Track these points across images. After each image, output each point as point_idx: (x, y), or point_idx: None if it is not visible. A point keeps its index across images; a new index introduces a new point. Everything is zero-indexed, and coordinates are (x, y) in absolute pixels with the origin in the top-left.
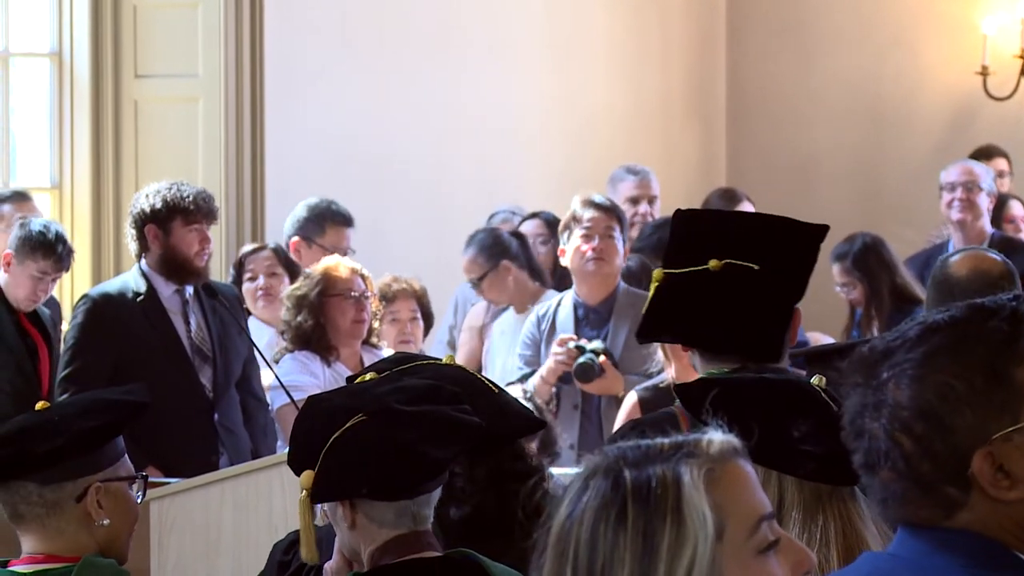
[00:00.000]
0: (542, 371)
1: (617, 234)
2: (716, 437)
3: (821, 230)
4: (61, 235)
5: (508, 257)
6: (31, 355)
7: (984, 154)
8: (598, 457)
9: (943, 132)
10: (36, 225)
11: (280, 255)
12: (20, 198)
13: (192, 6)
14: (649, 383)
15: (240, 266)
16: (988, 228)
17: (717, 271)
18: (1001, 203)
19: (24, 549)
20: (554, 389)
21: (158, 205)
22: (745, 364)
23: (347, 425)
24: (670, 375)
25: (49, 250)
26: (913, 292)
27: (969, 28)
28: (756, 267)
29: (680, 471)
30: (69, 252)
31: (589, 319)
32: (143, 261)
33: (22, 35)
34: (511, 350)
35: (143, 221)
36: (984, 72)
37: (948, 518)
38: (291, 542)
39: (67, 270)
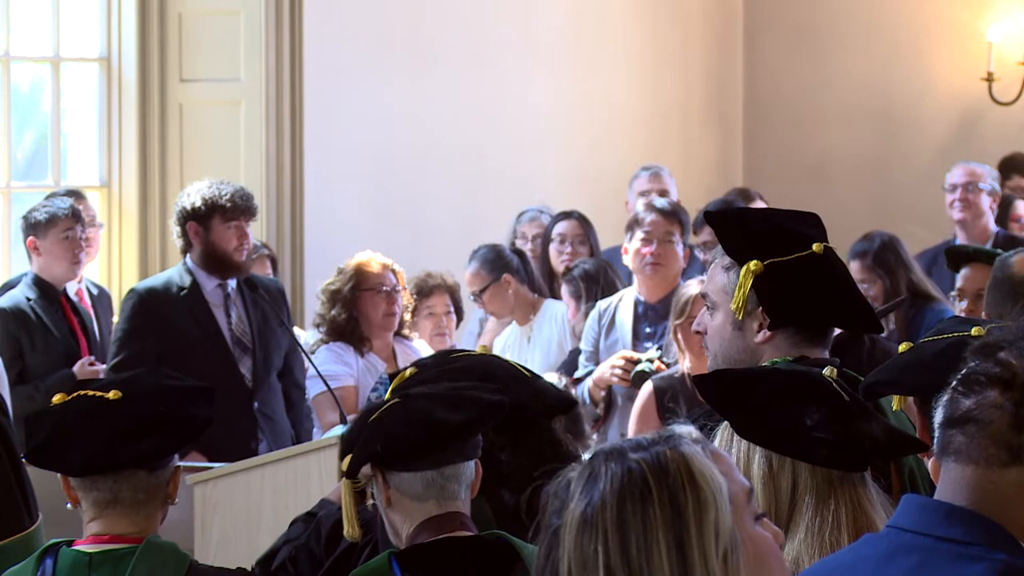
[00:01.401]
0: (594, 376)
1: (676, 238)
2: (691, 429)
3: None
4: (61, 198)
5: (509, 271)
6: (75, 342)
7: (1014, 166)
8: (595, 455)
9: (950, 135)
10: (36, 206)
11: (274, 262)
12: (75, 196)
13: (234, 13)
14: (664, 373)
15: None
16: (992, 227)
17: (822, 254)
18: (1007, 203)
19: (91, 530)
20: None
21: (198, 203)
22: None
23: (380, 409)
24: (684, 366)
25: (64, 213)
26: (927, 289)
27: (975, 36)
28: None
29: (684, 447)
30: (76, 208)
31: (648, 316)
32: (188, 257)
33: (73, 41)
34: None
35: (185, 219)
36: (989, 78)
37: (1005, 466)
38: (340, 520)
39: (83, 222)
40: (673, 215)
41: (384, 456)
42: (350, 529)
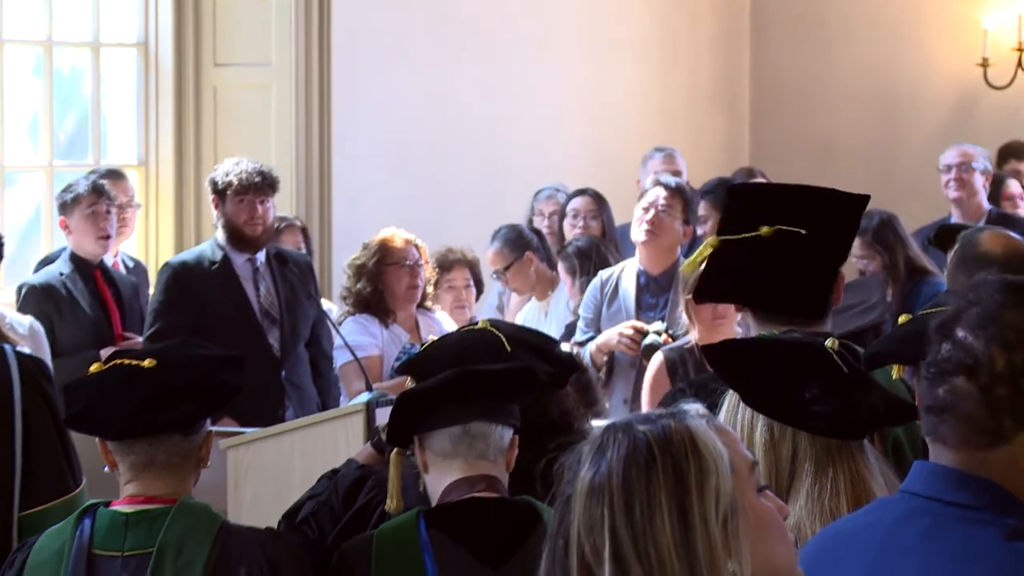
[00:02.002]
0: (598, 341)
1: (676, 212)
2: (697, 405)
3: (863, 200)
4: (86, 177)
5: (530, 249)
6: (106, 316)
7: (1013, 152)
8: (605, 429)
9: (947, 118)
10: (65, 187)
11: (307, 236)
12: (115, 176)
13: (266, 1)
14: (674, 344)
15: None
16: (985, 205)
17: (769, 237)
18: (999, 182)
19: (127, 492)
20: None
21: (216, 180)
22: (793, 326)
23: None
24: (693, 337)
25: (85, 190)
26: (924, 264)
27: (971, 23)
28: (804, 232)
29: (688, 419)
30: (98, 184)
31: (650, 288)
32: (218, 232)
33: (112, 27)
34: None
35: (212, 193)
36: (985, 64)
37: (990, 447)
38: (356, 479)
39: (108, 197)
40: (676, 191)
41: (412, 404)
42: (392, 502)
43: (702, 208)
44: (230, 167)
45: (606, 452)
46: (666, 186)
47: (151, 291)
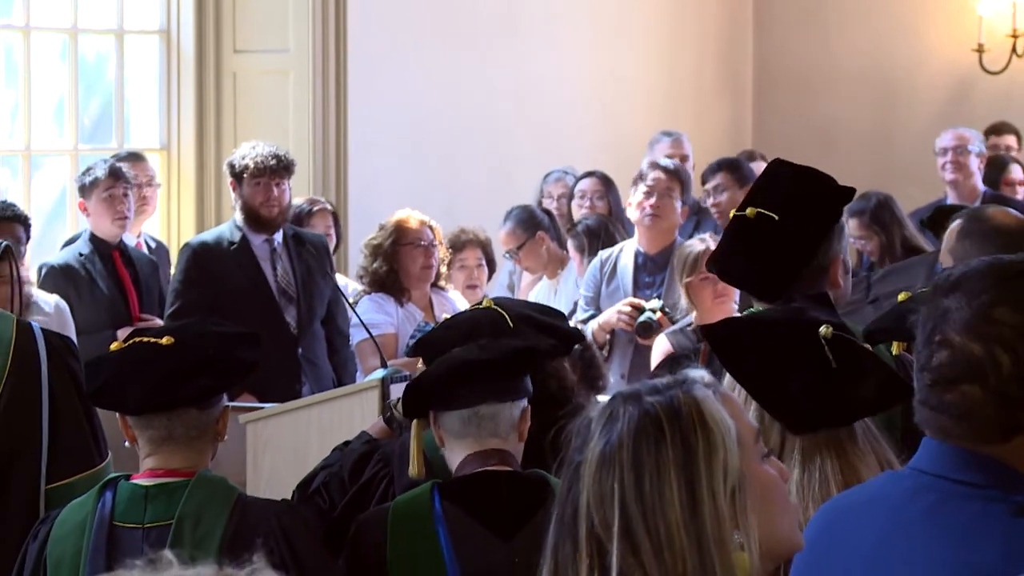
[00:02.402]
0: (600, 319)
1: (676, 194)
2: (703, 373)
3: (848, 193)
4: (102, 162)
5: (542, 229)
6: (123, 297)
7: (995, 131)
8: (613, 397)
9: (944, 102)
10: (83, 170)
11: (337, 219)
12: (135, 158)
13: None
14: (676, 327)
15: (299, 218)
16: (980, 186)
17: (752, 219)
18: (1003, 166)
19: (147, 465)
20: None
21: (234, 163)
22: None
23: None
24: (694, 318)
25: (102, 174)
26: (919, 244)
27: (967, 10)
28: (776, 218)
29: (696, 391)
30: (117, 168)
31: (647, 267)
32: (237, 214)
33: (135, 15)
34: None
35: (230, 176)
36: (980, 49)
37: (1004, 441)
38: (363, 453)
39: (125, 180)
40: (675, 173)
41: (419, 393)
42: (414, 468)
43: (719, 178)
44: (247, 151)
45: (616, 423)
46: (665, 169)
47: (172, 271)
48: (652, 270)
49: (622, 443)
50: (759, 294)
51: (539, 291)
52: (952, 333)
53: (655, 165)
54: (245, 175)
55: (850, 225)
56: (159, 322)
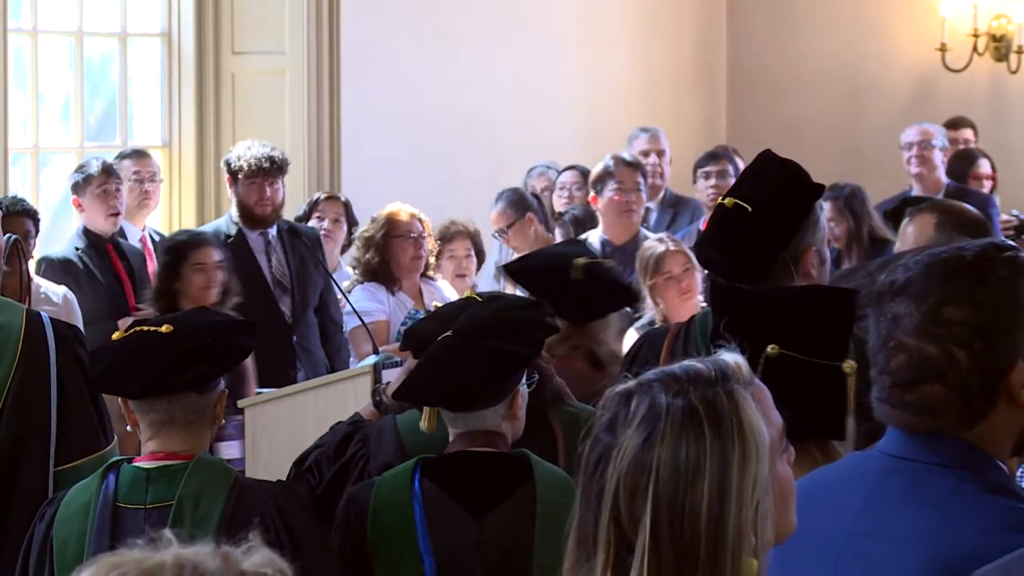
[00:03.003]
0: None
1: (642, 186)
2: (739, 360)
3: (819, 188)
4: (96, 160)
5: (531, 210)
6: (120, 288)
7: (953, 125)
8: (656, 381)
9: (909, 98)
10: (79, 166)
11: (348, 208)
12: (139, 155)
13: None
14: (643, 320)
15: (313, 207)
16: (944, 179)
17: (729, 208)
18: (972, 159)
19: (148, 449)
20: None
21: (230, 162)
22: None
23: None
24: (658, 316)
25: (96, 171)
26: (885, 234)
27: (930, 11)
28: (749, 209)
29: (738, 395)
30: (109, 165)
31: (615, 257)
32: (233, 209)
33: (137, 18)
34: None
35: (226, 174)
36: (943, 48)
37: (969, 428)
38: (346, 434)
39: (116, 177)
40: (638, 167)
41: (408, 398)
42: (426, 423)
43: (713, 164)
44: (242, 151)
45: (658, 420)
46: (632, 164)
47: None
48: (621, 260)
49: (663, 440)
50: (733, 282)
51: None
52: (906, 337)
53: (620, 161)
54: (240, 175)
55: (825, 207)
56: (154, 312)
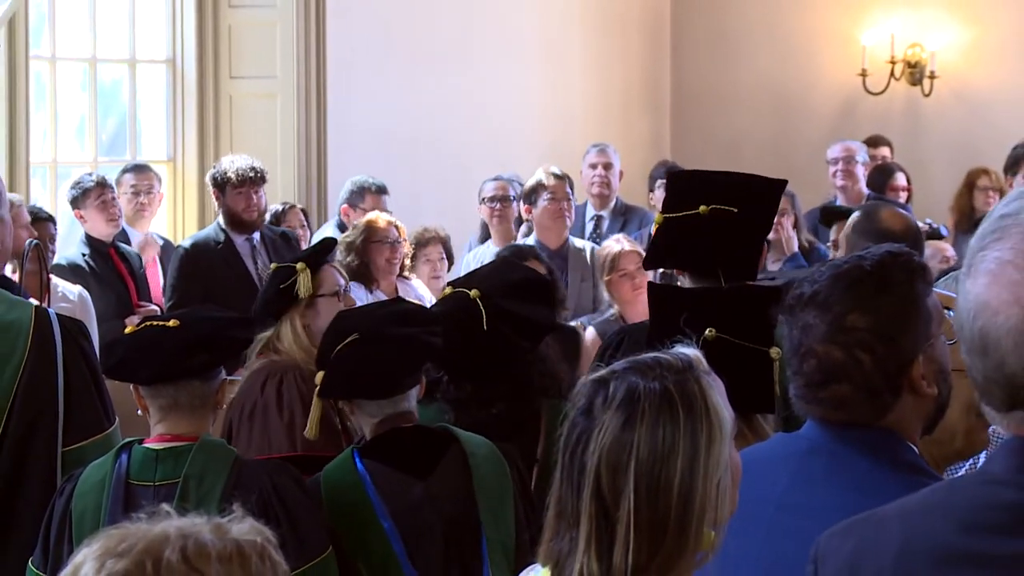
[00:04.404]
0: None
1: (571, 195)
2: (698, 353)
3: (781, 183)
4: (87, 176)
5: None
6: (124, 288)
7: (872, 143)
8: (630, 368)
9: (833, 118)
10: (74, 182)
11: (307, 214)
12: (139, 169)
13: (272, 25)
14: (601, 319)
15: (280, 216)
16: (865, 190)
17: (706, 215)
18: (890, 173)
19: (157, 431)
20: None
21: (216, 175)
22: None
23: (346, 341)
24: (615, 310)
25: (91, 184)
26: (813, 240)
27: (852, 40)
28: (735, 210)
29: (704, 381)
30: (102, 179)
31: (553, 260)
32: (221, 218)
33: (145, 47)
34: None
35: (212, 187)
36: (863, 74)
37: (880, 418)
38: None
39: (112, 187)
40: (566, 178)
41: (343, 396)
42: (311, 429)
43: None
44: (227, 164)
45: (636, 403)
46: (562, 177)
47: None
48: (557, 264)
49: (643, 420)
50: (739, 275)
51: (481, 253)
52: (815, 344)
53: (552, 175)
54: (228, 185)
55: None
56: (155, 308)
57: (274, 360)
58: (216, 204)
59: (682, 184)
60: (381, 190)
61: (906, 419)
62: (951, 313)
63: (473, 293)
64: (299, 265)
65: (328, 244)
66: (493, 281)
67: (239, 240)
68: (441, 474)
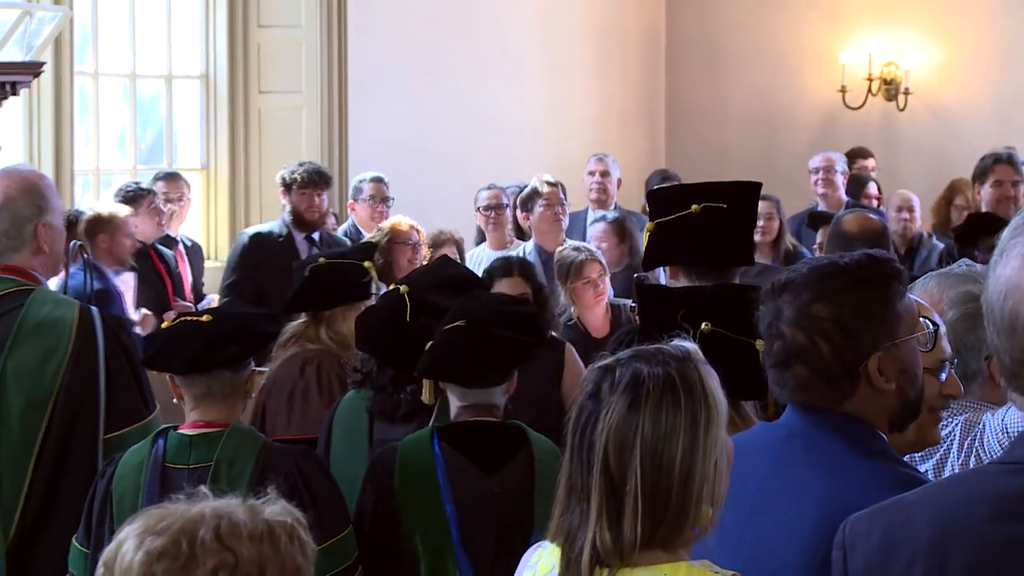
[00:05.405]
0: None
1: (564, 201)
2: (694, 345)
3: (756, 186)
4: (137, 182)
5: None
6: (162, 284)
7: (859, 155)
8: (633, 355)
9: (814, 131)
10: (126, 191)
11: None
12: (170, 177)
13: (298, 43)
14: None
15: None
16: (844, 198)
17: (698, 213)
18: (863, 183)
19: (191, 418)
20: None
21: (285, 176)
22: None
23: (452, 325)
24: (573, 312)
25: (139, 193)
26: (796, 244)
27: (832, 58)
28: (725, 206)
29: (702, 369)
30: (150, 189)
31: (549, 262)
32: (286, 215)
33: (181, 63)
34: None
35: (280, 186)
36: (843, 90)
37: (839, 404)
38: None
39: (156, 196)
40: (559, 185)
41: (437, 377)
42: (427, 396)
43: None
44: (295, 167)
45: (641, 386)
46: (555, 184)
47: (204, 265)
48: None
49: (647, 403)
50: (741, 264)
51: (478, 255)
52: (783, 326)
53: (546, 182)
54: (293, 186)
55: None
56: (189, 304)
57: (308, 347)
58: (283, 202)
59: (665, 194)
60: (377, 179)
61: (867, 410)
62: (927, 321)
63: (403, 289)
64: (367, 264)
65: (373, 245)
66: (424, 278)
67: (299, 237)
68: (507, 474)
